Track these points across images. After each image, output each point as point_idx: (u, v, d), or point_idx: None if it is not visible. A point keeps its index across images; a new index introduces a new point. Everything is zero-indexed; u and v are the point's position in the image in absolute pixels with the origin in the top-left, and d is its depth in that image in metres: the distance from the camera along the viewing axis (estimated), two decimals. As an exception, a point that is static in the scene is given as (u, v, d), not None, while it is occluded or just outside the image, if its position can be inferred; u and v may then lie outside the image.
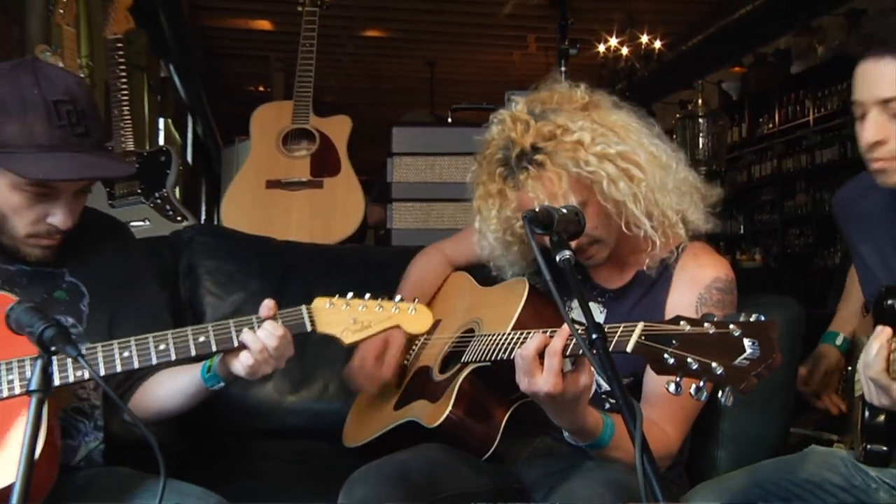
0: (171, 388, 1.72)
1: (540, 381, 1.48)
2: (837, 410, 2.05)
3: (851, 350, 1.99)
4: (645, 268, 1.82)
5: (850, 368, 1.95)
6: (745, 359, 1.24)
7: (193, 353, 1.58)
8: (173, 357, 1.57)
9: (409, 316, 1.67)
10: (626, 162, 1.74)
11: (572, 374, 1.49)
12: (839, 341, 2.07)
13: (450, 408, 1.75)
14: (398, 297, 1.69)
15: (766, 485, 1.65)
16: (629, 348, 1.38)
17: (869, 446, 1.59)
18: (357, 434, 2.08)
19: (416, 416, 1.86)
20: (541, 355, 1.49)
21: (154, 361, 1.56)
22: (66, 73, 1.65)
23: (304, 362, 2.43)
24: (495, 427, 1.77)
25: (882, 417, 1.56)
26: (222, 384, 1.66)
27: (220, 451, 2.19)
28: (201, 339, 1.58)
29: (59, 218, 1.62)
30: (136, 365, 1.55)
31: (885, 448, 1.58)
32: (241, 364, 1.58)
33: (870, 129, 1.52)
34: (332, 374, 2.43)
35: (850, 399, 1.90)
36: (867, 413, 1.58)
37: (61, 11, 3.64)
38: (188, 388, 1.70)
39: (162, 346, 1.56)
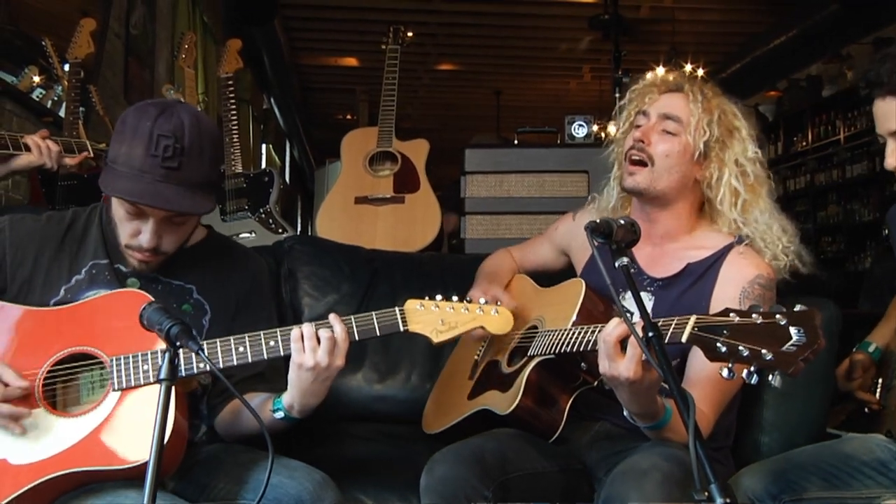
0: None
1: (621, 366, 1.45)
2: (876, 405, 2.03)
3: (883, 359, 2.04)
4: (694, 252, 1.82)
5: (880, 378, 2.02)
6: (792, 345, 1.22)
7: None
8: (281, 352, 1.58)
9: (492, 317, 1.66)
10: (752, 159, 1.82)
11: (649, 363, 1.44)
12: (871, 349, 2.07)
13: (519, 397, 1.73)
14: (482, 300, 1.67)
15: (807, 466, 1.61)
16: (684, 339, 1.36)
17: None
18: (436, 421, 2.08)
19: (488, 405, 1.85)
20: (621, 342, 1.47)
21: (265, 356, 1.57)
22: (193, 115, 1.62)
23: (390, 356, 2.44)
24: (560, 413, 1.76)
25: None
26: (283, 413, 1.62)
27: (318, 433, 2.21)
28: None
29: (144, 237, 1.62)
30: (250, 359, 1.57)
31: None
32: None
33: (890, 158, 1.56)
34: (414, 366, 2.43)
35: (884, 396, 1.97)
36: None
37: (183, 56, 3.76)
38: (258, 407, 1.65)
39: (272, 343, 1.58)
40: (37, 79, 3.44)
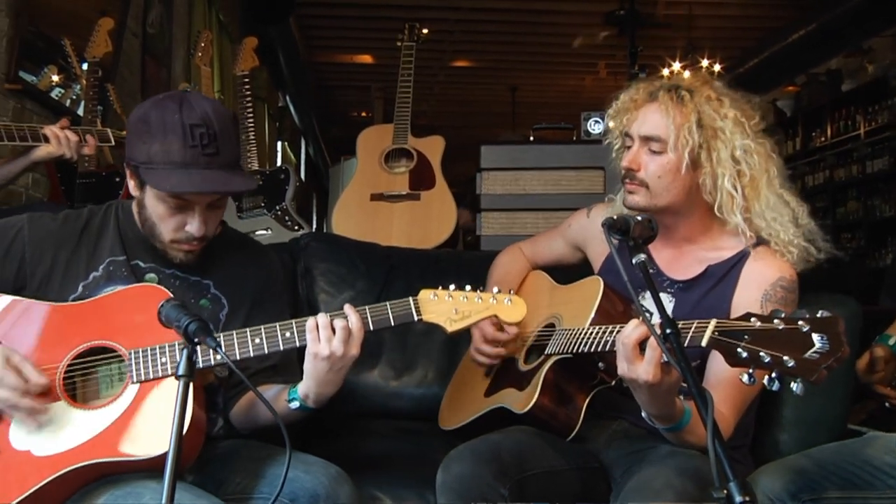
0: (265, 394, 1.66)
1: (640, 369, 1.43)
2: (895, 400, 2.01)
3: None
4: (713, 254, 1.78)
5: None
6: (815, 352, 1.20)
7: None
8: (297, 343, 1.58)
9: (506, 306, 1.64)
10: (744, 153, 1.74)
11: (668, 365, 1.42)
12: (892, 342, 2.04)
13: (536, 395, 1.73)
14: (495, 289, 1.66)
15: (827, 465, 1.58)
16: (704, 342, 1.34)
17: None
18: (452, 418, 2.08)
19: (505, 403, 1.85)
20: (640, 345, 1.45)
21: (281, 346, 1.57)
22: (207, 100, 1.66)
23: (406, 353, 2.45)
24: (576, 412, 1.75)
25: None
26: (298, 403, 1.63)
27: (335, 429, 2.22)
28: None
29: (194, 226, 1.64)
30: (266, 350, 1.57)
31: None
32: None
33: None
34: (430, 363, 2.44)
35: None
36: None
37: (199, 54, 3.79)
38: (273, 397, 1.67)
39: (287, 333, 1.58)
40: (56, 78, 3.47)
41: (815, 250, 1.76)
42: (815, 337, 1.21)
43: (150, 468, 1.47)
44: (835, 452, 1.63)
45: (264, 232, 3.49)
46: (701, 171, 1.74)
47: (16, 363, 1.51)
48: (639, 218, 1.45)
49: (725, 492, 1.14)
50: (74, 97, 3.58)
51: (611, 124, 1.90)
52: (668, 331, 1.30)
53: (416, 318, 1.61)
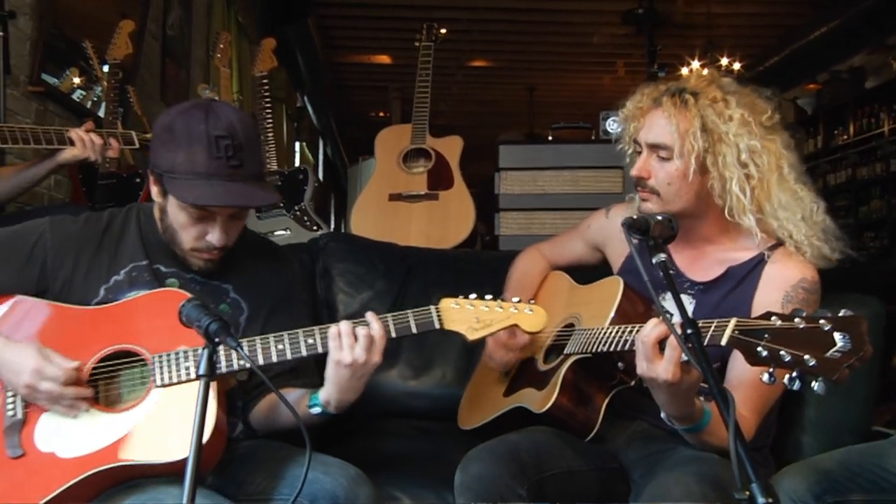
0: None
1: (659, 368, 1.42)
2: None
3: None
4: (733, 257, 1.77)
5: None
6: (836, 351, 1.19)
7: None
8: (320, 349, 1.59)
9: (526, 315, 1.65)
10: (751, 154, 1.71)
11: (688, 365, 1.41)
12: None
13: (555, 395, 1.73)
14: (515, 298, 1.66)
15: (852, 467, 1.56)
16: (723, 341, 1.33)
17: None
18: (471, 418, 2.08)
19: (524, 403, 1.84)
20: (659, 344, 1.44)
21: (304, 353, 1.58)
22: (233, 111, 1.65)
23: (424, 353, 2.45)
24: (596, 411, 1.74)
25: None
26: (319, 408, 1.63)
27: (353, 429, 2.22)
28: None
29: (215, 236, 1.65)
30: (289, 356, 1.58)
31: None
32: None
33: None
34: (448, 363, 2.44)
35: None
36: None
37: (219, 56, 3.81)
38: (294, 402, 1.65)
39: (311, 340, 1.59)
40: (77, 80, 3.51)
41: (829, 250, 1.73)
42: (837, 336, 1.19)
43: (172, 472, 1.47)
44: (860, 454, 1.61)
45: (283, 232, 3.51)
46: (709, 176, 1.73)
47: (47, 354, 1.54)
48: (659, 217, 1.45)
49: (748, 493, 1.13)
50: (95, 99, 3.61)
51: (621, 131, 1.90)
52: (688, 331, 1.29)
53: (437, 326, 1.62)
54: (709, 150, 1.70)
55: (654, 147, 1.75)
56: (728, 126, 1.71)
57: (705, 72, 1.91)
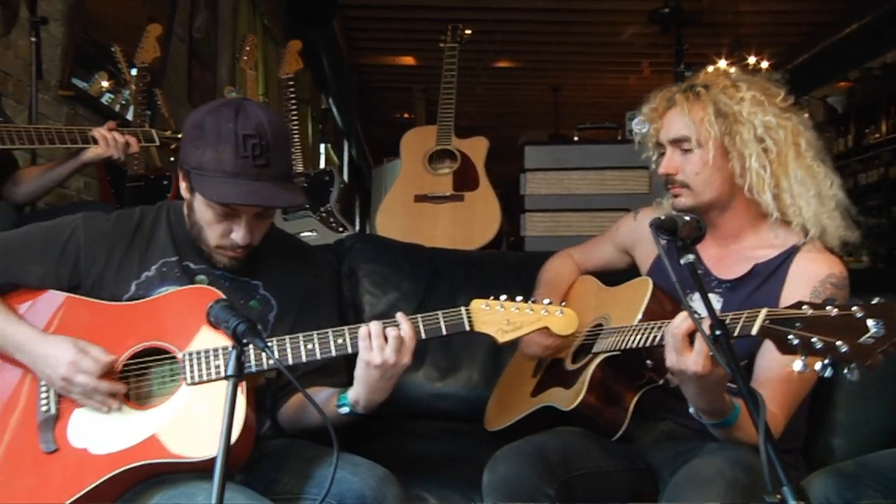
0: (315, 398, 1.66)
1: (689, 360, 1.42)
2: None
3: None
4: (760, 253, 1.77)
5: None
6: (870, 337, 1.17)
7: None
8: (349, 350, 1.59)
9: (557, 318, 1.64)
10: (766, 130, 1.73)
11: (717, 359, 1.40)
12: None
13: (583, 393, 1.72)
14: (546, 301, 1.66)
15: (886, 472, 1.54)
16: (754, 331, 1.32)
17: None
18: (498, 418, 2.08)
19: (552, 402, 1.84)
20: (689, 336, 1.44)
21: (333, 353, 1.59)
22: (264, 111, 1.66)
23: (451, 354, 2.45)
24: (624, 410, 1.74)
25: None
26: (348, 408, 1.64)
27: (381, 430, 2.23)
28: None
29: (239, 235, 1.66)
30: (319, 356, 1.59)
31: None
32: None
33: None
34: (474, 364, 2.44)
35: None
36: None
37: (245, 58, 3.84)
38: (323, 401, 1.68)
39: (340, 340, 1.60)
40: (106, 84, 3.56)
41: (837, 227, 1.74)
42: (871, 322, 1.18)
43: (202, 469, 1.49)
44: (894, 458, 1.59)
45: (309, 233, 3.53)
46: (730, 159, 1.76)
47: (83, 347, 1.57)
48: (686, 218, 1.44)
49: (779, 496, 1.12)
50: (124, 102, 3.66)
51: (644, 138, 1.94)
52: (717, 332, 1.29)
53: (468, 328, 1.61)
54: (726, 132, 1.75)
55: (675, 142, 1.80)
56: (741, 106, 1.75)
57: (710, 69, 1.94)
